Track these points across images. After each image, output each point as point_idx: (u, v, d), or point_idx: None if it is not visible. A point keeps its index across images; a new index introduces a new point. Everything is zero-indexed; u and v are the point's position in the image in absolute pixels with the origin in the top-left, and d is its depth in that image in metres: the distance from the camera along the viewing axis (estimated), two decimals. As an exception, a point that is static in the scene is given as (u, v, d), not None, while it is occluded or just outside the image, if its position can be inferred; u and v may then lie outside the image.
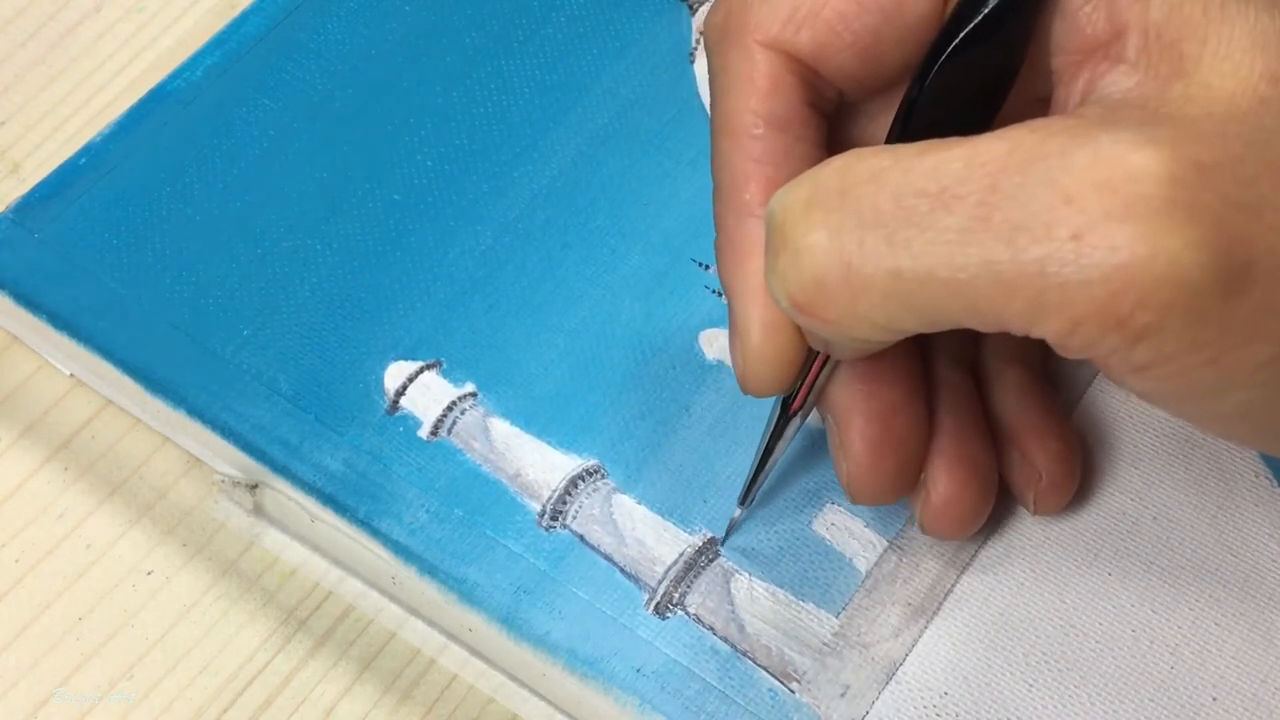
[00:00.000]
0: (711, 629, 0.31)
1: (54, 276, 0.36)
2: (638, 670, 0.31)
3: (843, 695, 0.30)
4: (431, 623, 0.33)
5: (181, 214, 0.37)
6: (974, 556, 0.32)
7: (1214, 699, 0.30)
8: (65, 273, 0.36)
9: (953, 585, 0.32)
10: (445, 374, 0.35)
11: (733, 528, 0.32)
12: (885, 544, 0.32)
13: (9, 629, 0.33)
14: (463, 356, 0.35)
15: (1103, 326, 0.23)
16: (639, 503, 0.33)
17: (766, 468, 0.31)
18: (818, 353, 0.29)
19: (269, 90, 0.39)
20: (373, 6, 0.40)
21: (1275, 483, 0.33)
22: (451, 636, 0.33)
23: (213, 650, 0.33)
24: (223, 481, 0.35)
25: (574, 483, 0.33)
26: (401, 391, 0.34)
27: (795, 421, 0.30)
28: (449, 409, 0.34)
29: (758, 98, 0.29)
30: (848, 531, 0.32)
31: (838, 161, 0.25)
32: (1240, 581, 0.32)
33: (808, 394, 0.30)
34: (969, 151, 0.24)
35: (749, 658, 0.31)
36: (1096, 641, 0.31)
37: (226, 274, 0.36)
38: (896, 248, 0.24)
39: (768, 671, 0.31)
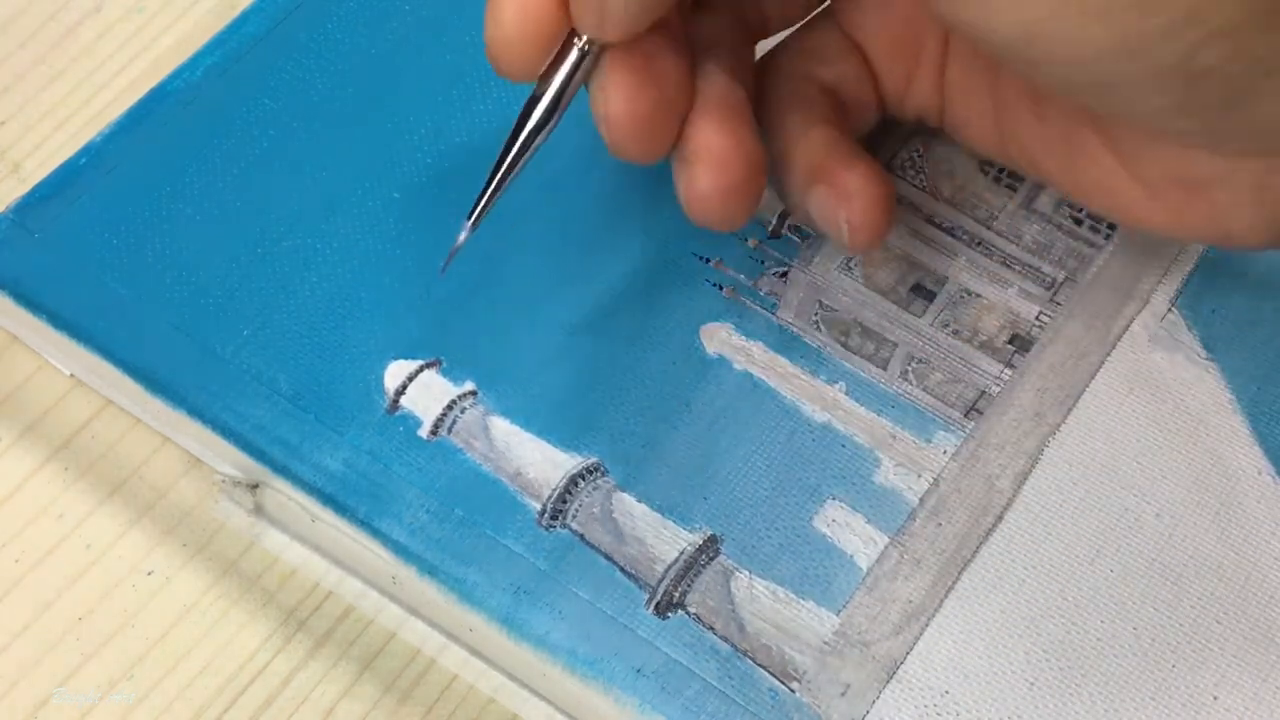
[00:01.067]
0: (711, 628, 0.31)
1: (54, 276, 0.36)
2: (638, 670, 0.31)
3: (843, 694, 0.30)
4: (431, 623, 0.33)
5: (181, 214, 0.37)
6: (975, 554, 0.32)
7: (1215, 697, 0.30)
8: (65, 273, 0.36)
9: (954, 583, 0.32)
10: (445, 373, 0.34)
11: (454, 253, 0.31)
12: (886, 540, 0.32)
13: (9, 629, 0.33)
14: (462, 355, 0.35)
15: None
16: (639, 500, 0.33)
17: (501, 183, 0.30)
18: (573, 43, 0.29)
19: (269, 90, 0.39)
20: (373, 6, 0.40)
21: (1279, 479, 0.33)
22: (451, 636, 0.33)
23: (213, 650, 0.33)
24: (223, 481, 0.35)
25: (574, 481, 0.33)
26: (401, 391, 0.34)
27: (538, 118, 0.30)
28: (449, 408, 0.34)
29: None
30: (848, 528, 0.32)
31: None
32: (1243, 579, 0.31)
33: (564, 83, 0.29)
34: None
35: (749, 657, 0.31)
36: (1098, 640, 0.31)
37: (226, 274, 0.36)
38: None
39: (768, 671, 0.31)
